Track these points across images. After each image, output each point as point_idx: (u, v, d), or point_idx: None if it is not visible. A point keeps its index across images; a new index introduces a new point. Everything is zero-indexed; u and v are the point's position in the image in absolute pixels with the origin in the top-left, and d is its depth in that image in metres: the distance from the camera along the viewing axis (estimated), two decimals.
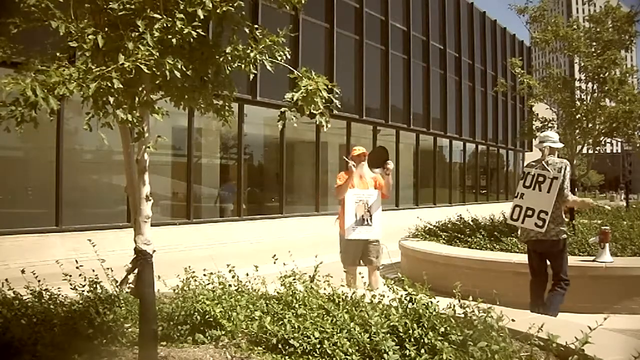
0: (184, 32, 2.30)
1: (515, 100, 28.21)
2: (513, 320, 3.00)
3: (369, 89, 18.05)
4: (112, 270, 3.99)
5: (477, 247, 7.48)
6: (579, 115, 8.93)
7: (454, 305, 3.13)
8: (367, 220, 5.63)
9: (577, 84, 9.43)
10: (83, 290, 3.85)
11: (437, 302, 3.15)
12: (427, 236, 8.77)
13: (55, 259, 4.93)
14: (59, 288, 3.91)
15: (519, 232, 5.56)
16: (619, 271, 5.90)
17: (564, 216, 4.95)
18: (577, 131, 9.07)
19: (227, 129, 13.51)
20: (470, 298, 3.09)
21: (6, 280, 3.93)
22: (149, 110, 2.60)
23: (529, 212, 4.84)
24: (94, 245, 4.22)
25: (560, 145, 5.23)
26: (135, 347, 3.15)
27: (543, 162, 4.92)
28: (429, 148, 22.72)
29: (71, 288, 3.85)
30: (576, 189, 9.17)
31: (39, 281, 3.90)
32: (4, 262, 8.35)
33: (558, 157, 5.13)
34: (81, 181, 10.93)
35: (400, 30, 20.12)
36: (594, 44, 9.03)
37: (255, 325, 3.32)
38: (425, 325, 2.93)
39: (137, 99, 2.43)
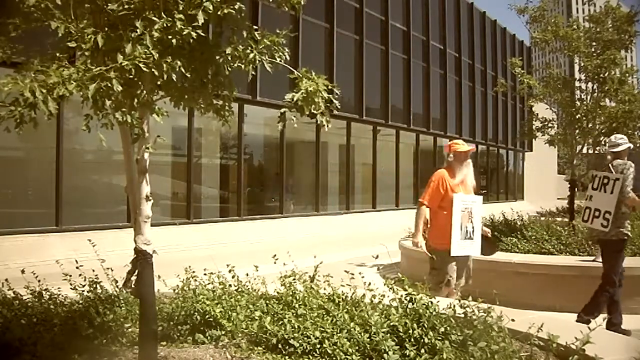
0: (184, 32, 2.30)
1: (515, 100, 28.20)
2: (513, 320, 3.00)
3: (369, 89, 18.05)
4: (112, 270, 3.99)
5: None
6: (579, 115, 8.91)
7: (454, 305, 3.13)
8: (469, 233, 4.77)
9: (577, 84, 9.41)
10: (83, 290, 3.85)
11: (437, 302, 3.15)
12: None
13: (55, 259, 4.93)
14: (59, 288, 3.91)
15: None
16: None
17: (626, 216, 5.02)
18: (577, 131, 9.05)
19: (227, 129, 13.52)
20: (470, 298, 3.09)
21: (6, 280, 3.93)
22: (148, 111, 2.60)
23: (597, 213, 5.09)
24: (94, 245, 4.22)
25: (620, 148, 5.16)
26: (135, 347, 3.15)
27: (609, 165, 5.13)
28: (429, 148, 22.71)
29: (71, 288, 3.85)
30: (576, 189, 9.17)
31: (39, 281, 3.90)
32: (4, 262, 8.35)
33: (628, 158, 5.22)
34: (81, 181, 10.93)
35: (400, 30, 20.11)
36: (594, 44, 9.01)
37: (255, 325, 3.32)
38: (425, 325, 2.93)
39: (136, 99, 2.43)
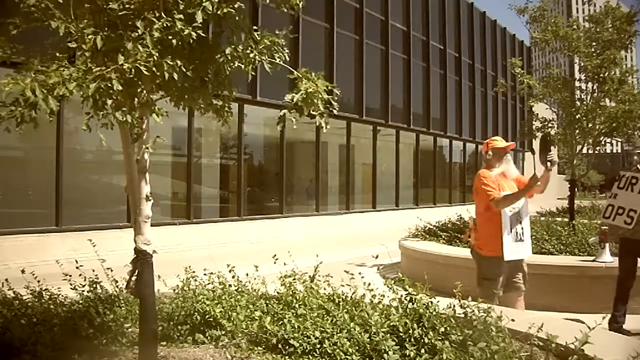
0: (184, 32, 2.29)
1: (515, 100, 28.23)
2: (513, 320, 3.00)
3: (369, 89, 18.05)
4: (112, 270, 3.99)
5: None
6: (579, 115, 8.91)
7: (454, 305, 3.12)
8: (519, 235, 4.47)
9: (577, 84, 9.41)
10: (83, 290, 3.85)
11: (437, 302, 3.14)
12: (427, 236, 8.77)
13: (55, 259, 4.93)
14: (59, 288, 3.91)
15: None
16: None
17: None
18: (577, 131, 9.05)
19: (227, 129, 13.52)
20: (470, 298, 3.09)
21: (6, 280, 3.93)
22: (148, 111, 2.60)
23: (620, 211, 5.17)
24: (94, 245, 4.22)
25: None
26: (135, 347, 3.15)
27: (638, 166, 5.28)
28: (429, 148, 22.72)
29: (71, 288, 3.85)
30: (576, 189, 9.17)
31: (38, 281, 3.90)
32: (4, 262, 8.35)
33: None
34: (81, 181, 10.93)
35: (400, 30, 20.12)
36: (594, 44, 9.02)
37: (255, 325, 3.31)
38: (426, 325, 2.93)
39: (136, 99, 2.43)
